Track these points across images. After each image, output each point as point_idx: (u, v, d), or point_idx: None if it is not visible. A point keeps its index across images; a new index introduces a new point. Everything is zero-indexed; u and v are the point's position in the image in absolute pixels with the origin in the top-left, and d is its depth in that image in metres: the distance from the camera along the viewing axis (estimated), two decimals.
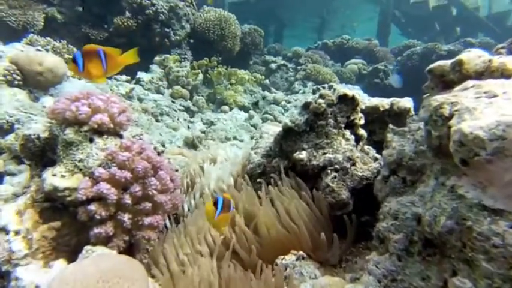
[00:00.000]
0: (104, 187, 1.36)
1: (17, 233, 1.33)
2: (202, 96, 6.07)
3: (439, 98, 1.02)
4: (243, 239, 1.55)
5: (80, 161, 1.49)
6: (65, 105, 1.50)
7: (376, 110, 2.19)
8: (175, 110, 5.00)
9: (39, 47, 3.55)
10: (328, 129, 1.84)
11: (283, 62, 8.97)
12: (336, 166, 1.73)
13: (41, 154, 1.61)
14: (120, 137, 1.66)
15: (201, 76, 6.13)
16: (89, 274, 1.00)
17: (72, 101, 1.51)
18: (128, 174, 1.40)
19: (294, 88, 8.10)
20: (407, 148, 1.30)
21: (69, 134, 1.49)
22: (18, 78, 2.93)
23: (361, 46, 10.38)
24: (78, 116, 1.49)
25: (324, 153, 1.80)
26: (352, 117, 1.89)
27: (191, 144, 4.10)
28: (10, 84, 2.91)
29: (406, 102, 2.22)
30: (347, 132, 1.87)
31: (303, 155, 1.82)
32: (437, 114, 0.99)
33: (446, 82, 1.25)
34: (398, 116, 2.23)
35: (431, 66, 1.27)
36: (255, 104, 6.47)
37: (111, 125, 1.56)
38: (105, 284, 0.99)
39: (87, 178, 1.42)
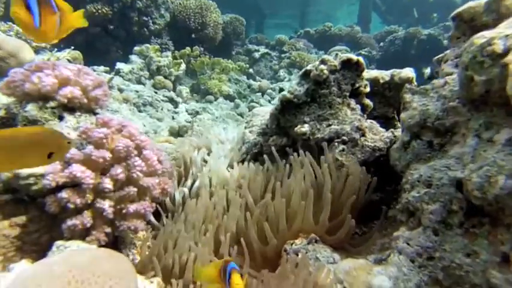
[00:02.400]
0: (78, 169, 1.13)
1: None
2: (186, 86, 5.80)
3: (486, 34, 0.83)
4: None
5: None
6: (24, 76, 1.25)
7: (375, 82, 2.02)
8: (158, 101, 4.73)
9: (0, 33, 3.22)
10: (331, 99, 1.65)
11: (266, 50, 8.75)
12: (344, 138, 1.54)
13: None
14: (96, 115, 1.42)
15: (183, 66, 5.85)
16: (57, 274, 0.78)
17: (33, 70, 1.27)
18: (107, 154, 1.17)
19: (279, 76, 7.92)
20: (431, 107, 1.12)
21: (32, 110, 1.25)
22: None
23: (344, 33, 10.27)
24: (41, 88, 1.24)
25: (329, 125, 1.61)
26: (357, 85, 1.70)
27: (177, 134, 3.85)
28: None
29: (408, 72, 2.06)
30: (352, 102, 1.69)
31: (305, 128, 1.63)
32: (485, 53, 0.81)
33: (477, 27, 1.08)
34: (400, 87, 2.06)
35: (459, 10, 1.10)
36: (240, 93, 6.26)
37: (85, 100, 1.33)
38: (79, 285, 0.78)
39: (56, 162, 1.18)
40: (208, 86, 5.90)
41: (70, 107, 1.32)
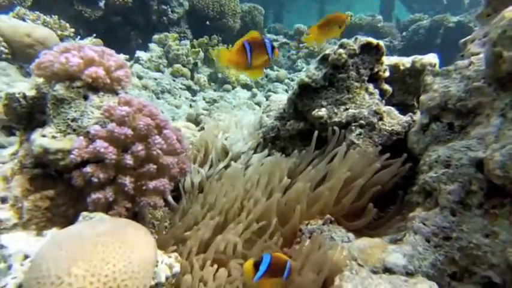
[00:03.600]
0: (101, 145, 1.17)
1: (3, 200, 1.15)
2: (203, 75, 5.84)
3: None
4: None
5: (73, 120, 1.30)
6: (53, 57, 1.30)
7: (395, 69, 1.99)
8: (176, 88, 4.79)
9: (28, 21, 3.32)
10: (349, 83, 1.64)
11: (284, 40, 8.69)
12: (361, 121, 1.54)
13: (29, 117, 1.42)
14: (118, 95, 1.46)
15: (201, 54, 5.89)
16: (85, 237, 0.83)
17: (61, 52, 1.32)
18: (129, 131, 1.21)
19: (297, 66, 7.86)
20: (453, 88, 1.10)
21: (60, 90, 1.30)
22: (6, 51, 2.71)
23: (364, 22, 10.04)
24: (68, 68, 1.29)
25: (347, 109, 1.61)
26: (376, 69, 1.68)
27: (194, 121, 3.90)
28: None
29: (431, 58, 2.01)
30: (370, 86, 1.67)
31: (322, 112, 1.63)
32: None
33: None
34: (421, 74, 2.03)
35: None
36: (258, 83, 6.25)
37: (108, 80, 1.37)
38: (104, 249, 0.82)
39: (81, 137, 1.23)
40: (226, 75, 5.92)
41: (94, 87, 1.36)
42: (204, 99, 5.12)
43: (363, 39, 1.64)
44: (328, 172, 1.45)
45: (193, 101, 4.98)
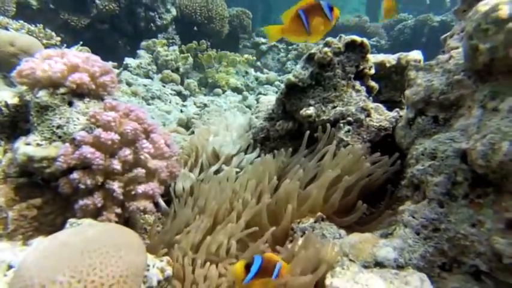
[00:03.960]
0: (88, 151, 1.16)
1: None
2: (193, 80, 5.84)
3: (491, 1, 0.83)
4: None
5: (59, 127, 1.28)
6: (35, 63, 1.29)
7: (382, 66, 2.01)
8: (166, 94, 4.78)
9: (12, 30, 3.28)
10: (336, 81, 1.65)
11: (273, 43, 8.72)
12: (349, 118, 1.55)
13: (12, 126, 1.40)
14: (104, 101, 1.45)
15: (191, 60, 5.88)
16: (71, 244, 0.82)
17: (43, 59, 1.30)
18: (115, 136, 1.20)
19: (286, 68, 7.89)
20: (436, 82, 1.12)
21: (43, 97, 1.29)
22: None
23: (352, 23, 10.16)
24: (52, 75, 1.28)
25: (334, 107, 1.62)
26: (361, 67, 1.70)
27: (185, 126, 3.89)
28: None
29: (416, 55, 2.04)
30: (357, 83, 1.68)
31: (310, 110, 1.64)
32: (489, 19, 0.80)
33: None
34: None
35: None
36: (248, 86, 6.27)
37: (93, 86, 1.35)
38: (91, 254, 0.81)
39: (67, 144, 1.22)
40: (215, 79, 5.92)
41: (79, 93, 1.35)
42: (194, 104, 5.10)
43: (347, 37, 1.66)
44: (318, 171, 1.45)
45: (184, 106, 4.96)
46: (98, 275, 0.78)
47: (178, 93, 5.22)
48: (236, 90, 5.97)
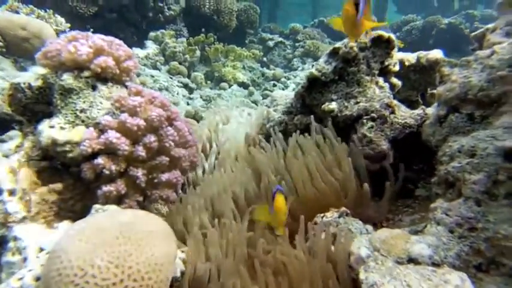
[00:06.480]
0: (114, 135, 1.14)
1: (11, 192, 1.11)
2: (200, 73, 5.80)
3: None
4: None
5: (82, 111, 1.26)
6: (61, 45, 1.26)
7: (400, 65, 1.98)
8: (173, 86, 4.74)
9: (22, 15, 3.24)
10: (360, 77, 1.63)
11: (280, 39, 8.66)
12: (373, 115, 1.52)
13: (35, 108, 1.37)
14: (126, 88, 1.42)
15: (198, 53, 5.84)
16: (105, 228, 0.79)
17: (68, 40, 1.27)
18: (141, 122, 1.18)
19: (292, 65, 7.85)
20: (474, 79, 1.09)
21: (68, 79, 1.26)
22: (1, 44, 2.63)
23: None
24: (77, 57, 1.25)
25: (357, 102, 1.59)
26: (386, 63, 1.67)
27: (192, 118, 3.86)
28: None
29: (436, 53, 2.01)
30: (380, 80, 1.66)
31: (333, 105, 1.61)
32: None
33: None
34: (426, 70, 2.02)
35: None
36: (254, 81, 6.24)
37: (117, 71, 1.33)
38: (126, 241, 0.79)
39: (91, 128, 1.19)
40: (222, 73, 5.89)
41: (103, 77, 1.32)
42: (201, 97, 5.07)
43: (374, 32, 1.63)
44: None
45: (190, 98, 4.93)
46: (134, 261, 0.76)
47: (185, 86, 5.19)
48: (242, 85, 5.94)
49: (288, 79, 6.70)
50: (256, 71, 6.64)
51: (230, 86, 5.85)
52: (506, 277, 0.88)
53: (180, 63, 5.46)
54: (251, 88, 5.84)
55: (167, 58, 5.45)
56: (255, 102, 5.43)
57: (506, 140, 0.90)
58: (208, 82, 5.91)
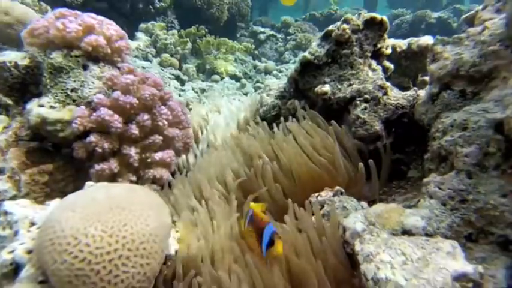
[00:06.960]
0: (106, 113, 1.12)
1: (0, 171, 1.08)
2: (192, 65, 5.75)
3: None
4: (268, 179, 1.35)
5: (73, 90, 1.23)
6: (48, 22, 1.23)
7: (392, 51, 1.99)
8: (165, 78, 4.70)
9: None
10: (353, 59, 1.63)
11: (272, 32, 8.64)
12: (366, 96, 1.53)
13: (22, 88, 1.34)
14: (119, 69, 1.40)
15: (189, 45, 5.78)
16: (98, 199, 0.78)
17: (56, 17, 1.24)
18: (134, 100, 1.16)
19: (284, 58, 7.84)
20: (466, 55, 1.10)
21: (57, 57, 1.23)
22: None
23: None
24: (66, 35, 1.22)
25: (350, 85, 1.59)
26: (378, 45, 1.68)
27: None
28: None
29: (427, 39, 2.03)
30: (373, 62, 1.66)
31: (326, 87, 1.62)
32: None
33: None
34: (418, 56, 2.04)
35: None
36: (246, 74, 6.22)
37: (108, 50, 1.31)
38: (120, 211, 0.78)
39: (83, 106, 1.17)
40: (214, 66, 5.85)
41: (94, 57, 1.30)
42: (192, 89, 5.03)
43: (367, 14, 1.63)
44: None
45: (183, 90, 4.89)
46: (128, 231, 0.75)
47: (177, 78, 5.14)
48: (234, 77, 5.92)
49: (280, 71, 6.71)
50: (248, 63, 6.62)
51: (222, 78, 5.82)
52: (494, 245, 0.89)
53: (171, 55, 5.41)
54: (243, 80, 5.82)
55: (158, 50, 5.40)
56: (246, 94, 5.42)
57: (497, 112, 0.91)
58: (200, 74, 5.87)
